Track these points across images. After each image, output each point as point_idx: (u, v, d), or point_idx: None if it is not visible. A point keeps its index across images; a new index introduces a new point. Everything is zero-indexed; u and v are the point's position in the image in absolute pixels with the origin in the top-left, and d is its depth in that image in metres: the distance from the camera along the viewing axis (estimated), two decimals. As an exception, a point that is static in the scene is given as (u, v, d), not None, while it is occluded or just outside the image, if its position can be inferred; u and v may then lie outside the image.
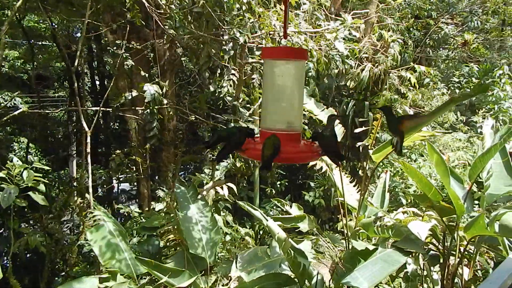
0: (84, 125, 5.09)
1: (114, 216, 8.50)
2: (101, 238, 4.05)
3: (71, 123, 12.90)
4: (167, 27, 5.58)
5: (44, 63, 13.55)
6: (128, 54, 6.20)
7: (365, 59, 8.19)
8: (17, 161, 4.79)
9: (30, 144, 11.51)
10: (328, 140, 1.69)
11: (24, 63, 13.72)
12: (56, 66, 14.43)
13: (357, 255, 3.49)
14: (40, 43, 13.12)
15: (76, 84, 5.22)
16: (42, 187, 4.58)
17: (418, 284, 4.22)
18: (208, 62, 5.33)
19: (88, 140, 4.98)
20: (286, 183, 9.29)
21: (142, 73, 6.06)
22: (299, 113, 1.82)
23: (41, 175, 4.62)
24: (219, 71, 6.06)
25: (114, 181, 10.10)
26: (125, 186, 12.87)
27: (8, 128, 11.40)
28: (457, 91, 11.21)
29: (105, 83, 13.33)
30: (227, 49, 4.98)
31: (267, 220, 3.63)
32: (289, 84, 1.79)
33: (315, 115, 4.12)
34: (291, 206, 4.70)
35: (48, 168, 5.19)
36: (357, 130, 4.69)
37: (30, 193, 4.52)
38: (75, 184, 7.71)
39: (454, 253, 3.81)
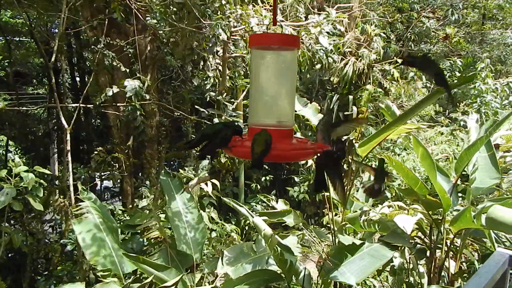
0: (63, 122, 4.96)
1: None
2: (86, 231, 3.96)
3: (51, 120, 12.65)
4: (148, 18, 5.47)
5: (22, 59, 13.24)
6: (107, 50, 6.08)
7: (348, 53, 8.17)
8: (19, 161, 4.67)
9: (10, 142, 11.27)
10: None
11: (2, 59, 13.41)
12: (34, 62, 14.12)
13: (344, 250, 3.47)
14: (17, 39, 12.81)
15: (53, 80, 5.08)
16: (40, 191, 4.48)
17: (405, 277, 4.23)
18: (191, 55, 5.23)
19: (68, 137, 4.85)
20: (271, 179, 9.25)
21: (123, 68, 5.94)
22: (291, 107, 1.69)
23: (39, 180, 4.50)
24: (202, 64, 5.96)
25: (97, 179, 9.96)
26: (109, 183, 12.71)
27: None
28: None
29: (86, 79, 13.09)
30: (210, 45, 4.88)
31: (253, 217, 3.58)
32: (280, 75, 1.66)
33: (298, 111, 4.05)
34: (277, 201, 4.66)
35: (49, 172, 5.08)
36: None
37: (29, 198, 4.40)
38: (56, 182, 7.56)
39: (441, 246, 3.81)
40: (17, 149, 12.27)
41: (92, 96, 8.92)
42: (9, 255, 6.78)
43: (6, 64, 12.52)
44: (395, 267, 4.19)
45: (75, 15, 6.82)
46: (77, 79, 14.13)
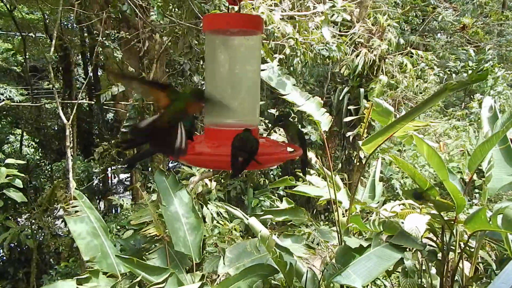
0: (62, 117, 4.86)
1: (110, 207, 8.39)
2: (84, 231, 3.85)
3: (65, 115, 12.69)
4: (152, 14, 5.33)
5: (38, 55, 13.34)
6: (115, 43, 5.97)
7: (360, 44, 7.86)
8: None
9: (26, 136, 11.37)
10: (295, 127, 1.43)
11: (18, 55, 13.55)
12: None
13: (349, 252, 3.27)
14: (33, 35, 12.93)
15: (52, 75, 4.99)
16: (18, 182, 4.33)
17: (417, 279, 4.02)
18: (190, 54, 5.05)
19: (67, 132, 4.75)
20: (280, 173, 9.04)
21: (125, 59, 5.83)
22: (255, 103, 1.42)
23: (16, 170, 4.35)
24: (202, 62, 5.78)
25: (108, 173, 9.95)
26: (123, 177, 12.72)
27: (4, 121, 11.32)
28: (454, 75, 10.87)
29: (99, 74, 13.14)
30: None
31: (247, 218, 3.40)
32: (241, 65, 1.41)
33: (299, 105, 3.77)
34: (281, 199, 4.50)
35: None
36: (347, 119, 4.42)
37: (5, 191, 4.29)
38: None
39: (454, 248, 3.57)
40: (32, 143, 12.38)
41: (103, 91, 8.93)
42: (24, 248, 6.82)
43: (22, 59, 12.66)
44: (406, 269, 3.99)
45: (84, 9, 6.73)
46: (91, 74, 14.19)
